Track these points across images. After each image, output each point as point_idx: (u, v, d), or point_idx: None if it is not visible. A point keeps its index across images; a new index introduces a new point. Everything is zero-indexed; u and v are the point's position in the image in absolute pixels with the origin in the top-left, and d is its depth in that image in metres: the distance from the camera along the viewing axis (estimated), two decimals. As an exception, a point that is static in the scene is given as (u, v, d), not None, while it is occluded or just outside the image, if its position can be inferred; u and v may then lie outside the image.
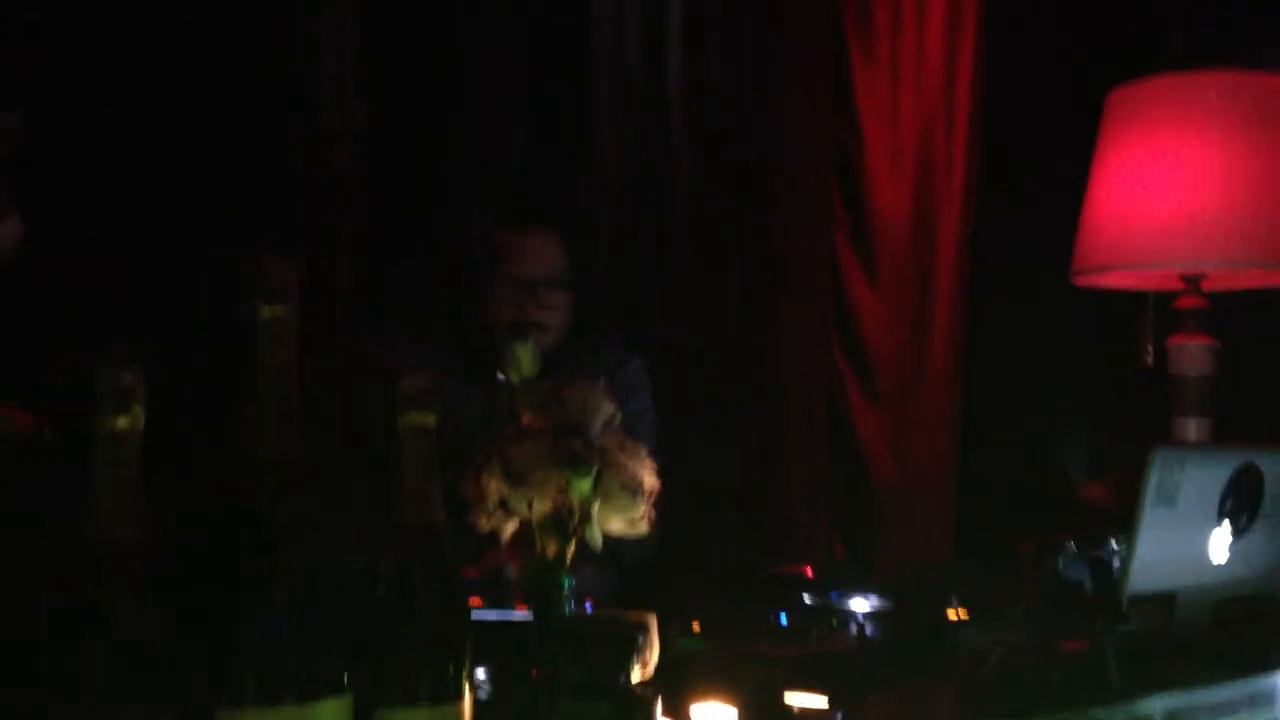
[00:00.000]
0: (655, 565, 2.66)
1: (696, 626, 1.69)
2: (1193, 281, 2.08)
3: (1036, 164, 2.84)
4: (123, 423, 0.79)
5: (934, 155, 3.17)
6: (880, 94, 3.13)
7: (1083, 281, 2.23)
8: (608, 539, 1.79)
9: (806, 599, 1.82)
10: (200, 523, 0.87)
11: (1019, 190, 2.88)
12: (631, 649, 0.93)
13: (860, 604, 1.78)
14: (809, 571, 1.91)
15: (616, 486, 0.99)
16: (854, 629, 1.72)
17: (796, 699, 1.15)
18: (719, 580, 2.64)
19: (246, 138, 2.19)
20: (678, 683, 1.14)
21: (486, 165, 2.45)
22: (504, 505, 0.98)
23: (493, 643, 1.04)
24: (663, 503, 2.09)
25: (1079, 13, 3.00)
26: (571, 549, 1.05)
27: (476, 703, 1.00)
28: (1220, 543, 1.57)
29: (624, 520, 1.01)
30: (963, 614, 1.75)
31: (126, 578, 0.80)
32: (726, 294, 2.89)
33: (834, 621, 1.76)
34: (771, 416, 2.99)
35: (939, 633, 1.69)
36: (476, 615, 1.04)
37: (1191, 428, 2.03)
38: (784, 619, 1.78)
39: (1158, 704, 1.30)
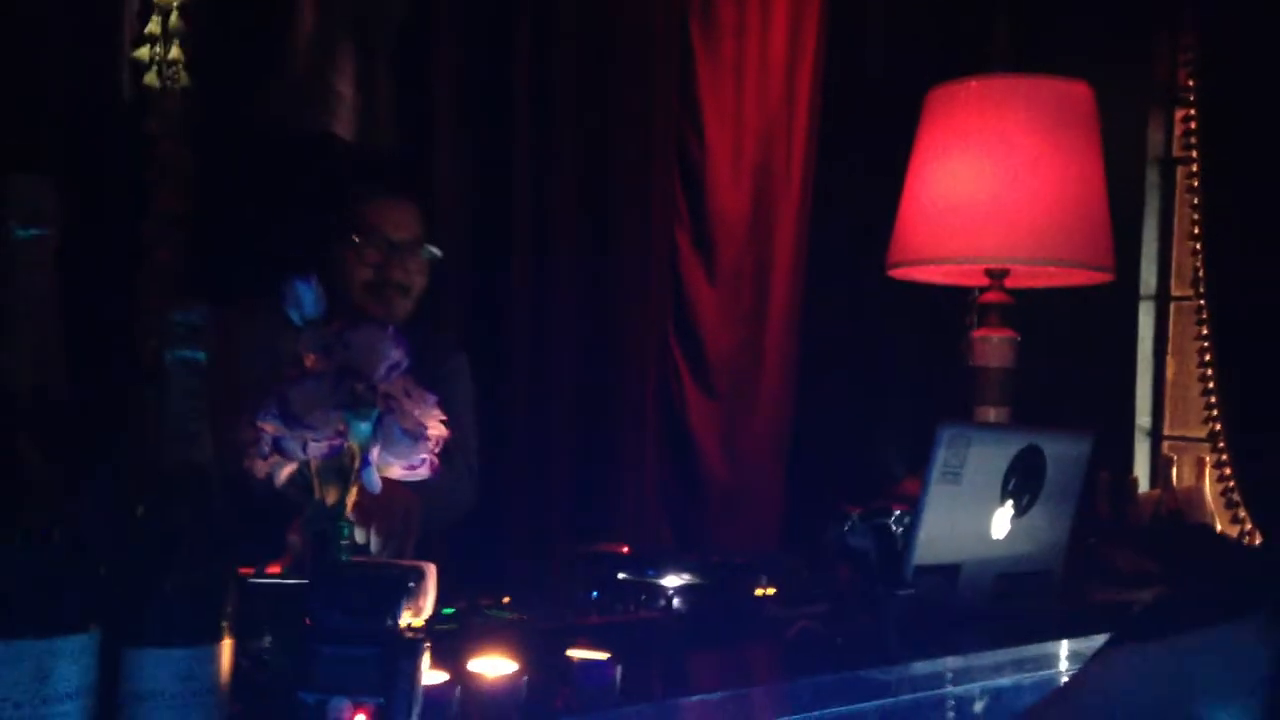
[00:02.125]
0: (482, 546, 2.67)
1: (507, 600, 1.70)
2: (997, 277, 2.18)
3: (871, 161, 2.94)
4: None
5: (774, 156, 3.24)
6: (724, 94, 3.19)
7: (896, 274, 2.32)
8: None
9: (620, 576, 1.85)
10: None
11: (853, 187, 2.97)
12: (399, 594, 0.93)
13: (671, 580, 1.82)
14: (625, 550, 1.94)
15: (398, 431, 0.99)
16: (662, 603, 1.76)
17: (578, 653, 1.16)
18: (539, 558, 2.65)
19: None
20: (467, 642, 1.15)
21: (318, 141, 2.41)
22: (279, 447, 0.97)
23: (266, 594, 1.02)
24: (472, 466, 2.10)
25: (915, 16, 3.11)
26: (352, 495, 1.04)
27: (248, 649, 0.99)
28: (1003, 519, 1.65)
29: (404, 465, 1.01)
30: (770, 592, 1.81)
31: None
32: (566, 289, 2.90)
33: (643, 597, 1.79)
34: (607, 410, 3.00)
35: (744, 608, 1.74)
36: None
37: (991, 417, 2.13)
38: (596, 594, 1.81)
39: (930, 666, 1.35)
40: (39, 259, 0.84)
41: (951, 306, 2.76)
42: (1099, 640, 1.51)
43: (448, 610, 1.54)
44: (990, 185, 2.11)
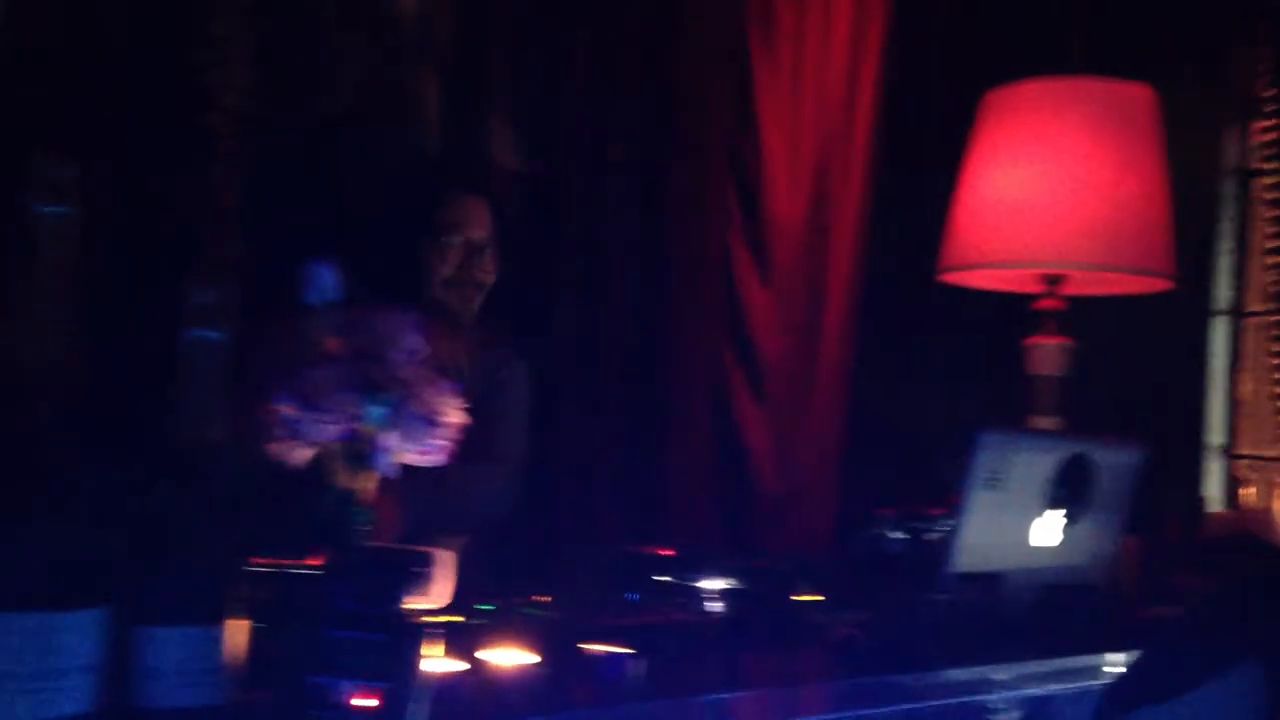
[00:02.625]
0: (532, 547, 2.67)
1: (545, 599, 1.70)
2: (1052, 283, 2.13)
3: (935, 165, 2.89)
4: None
5: (832, 162, 3.21)
6: (782, 100, 3.17)
7: (947, 278, 2.27)
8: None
9: (659, 578, 1.84)
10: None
11: (914, 191, 2.93)
12: (407, 580, 0.93)
13: (711, 584, 1.80)
14: (668, 552, 1.93)
15: (413, 417, 0.99)
16: (701, 606, 1.74)
17: (595, 647, 1.15)
18: (581, 559, 2.64)
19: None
20: (493, 636, 1.15)
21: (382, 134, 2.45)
22: (294, 429, 0.98)
23: (278, 579, 1.03)
24: (517, 472, 2.11)
25: (982, 17, 3.06)
26: (369, 483, 1.04)
27: (256, 630, 0.99)
28: (1048, 529, 1.61)
29: (419, 450, 1.01)
30: (815, 597, 1.78)
31: None
32: (618, 291, 2.90)
33: (683, 599, 1.78)
34: (658, 415, 2.99)
35: (784, 613, 1.71)
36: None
37: (1044, 425, 2.08)
38: (635, 596, 1.80)
39: (963, 673, 1.32)
40: (60, 234, 0.85)
41: (1012, 313, 2.71)
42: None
43: (484, 606, 1.54)
44: (1045, 189, 2.07)
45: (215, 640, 0.92)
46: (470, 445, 1.74)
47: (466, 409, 1.05)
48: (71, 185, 0.84)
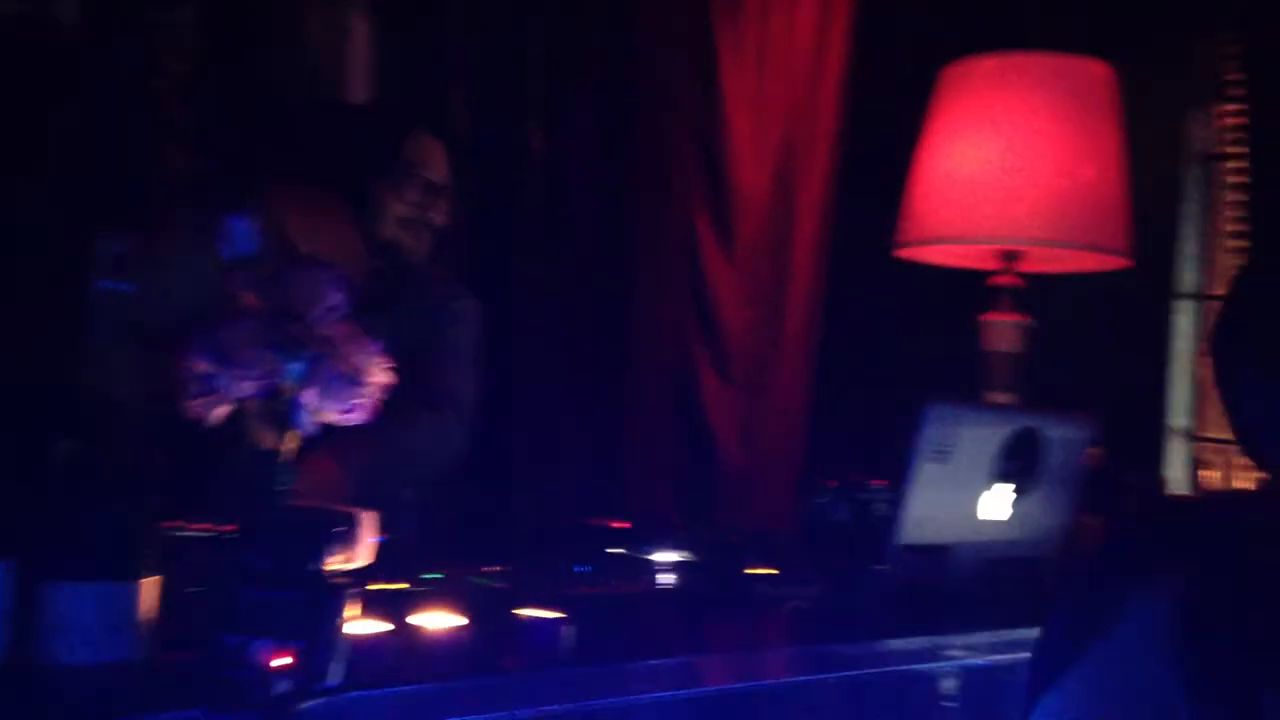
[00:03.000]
0: (489, 519, 2.66)
1: (495, 569, 1.69)
2: (1008, 259, 2.13)
3: (900, 140, 2.88)
4: None
5: (797, 138, 3.19)
6: (746, 75, 3.15)
7: (903, 254, 2.26)
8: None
9: (611, 550, 1.84)
10: None
11: (878, 166, 2.91)
12: (325, 539, 0.91)
13: (664, 557, 1.80)
14: (622, 525, 1.92)
15: (333, 375, 0.97)
16: (653, 579, 1.74)
17: (526, 612, 1.14)
18: (534, 530, 2.63)
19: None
20: (429, 603, 1.13)
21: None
22: (210, 385, 0.95)
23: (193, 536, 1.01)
24: (463, 419, 2.08)
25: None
26: (291, 441, 1.02)
27: (174, 589, 0.97)
28: (996, 502, 1.60)
29: (339, 409, 0.99)
30: (767, 571, 1.78)
31: None
32: (581, 266, 2.88)
33: (635, 572, 1.77)
34: (621, 389, 2.98)
35: (734, 586, 1.71)
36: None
37: (999, 402, 2.08)
38: (586, 568, 1.79)
39: (903, 643, 1.31)
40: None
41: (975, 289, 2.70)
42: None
43: (431, 575, 1.52)
44: (1000, 164, 2.05)
45: (126, 597, 0.90)
46: (418, 386, 1.72)
47: (409, 351, 1.02)
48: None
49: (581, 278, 2.87)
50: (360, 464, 1.68)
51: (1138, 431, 3.15)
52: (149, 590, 0.92)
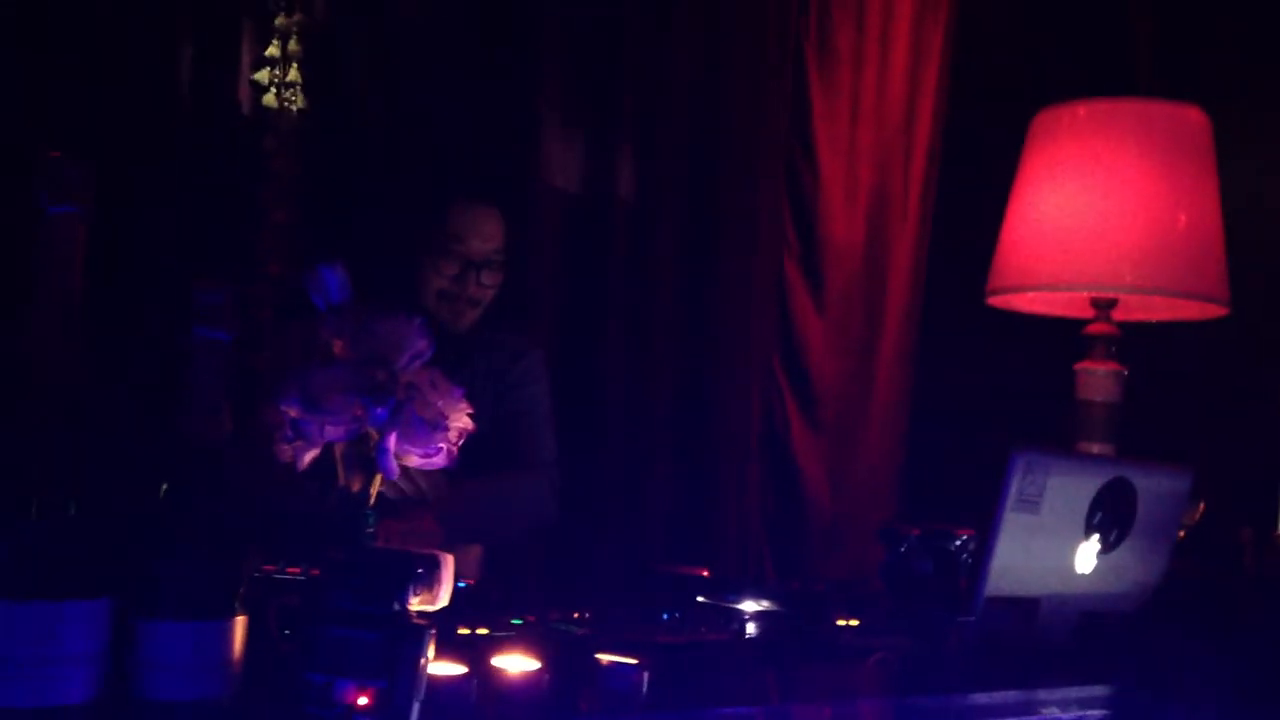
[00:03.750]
0: (578, 567, 2.67)
1: (578, 615, 1.70)
2: (1103, 307, 2.09)
3: (996, 187, 2.87)
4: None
5: (890, 187, 3.19)
6: (839, 123, 3.16)
7: (994, 301, 2.24)
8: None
9: (698, 599, 1.83)
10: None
11: (967, 213, 2.89)
12: (406, 580, 0.93)
13: (750, 606, 1.79)
14: (702, 573, 1.92)
15: (416, 420, 1.00)
16: (735, 628, 1.73)
17: (606, 657, 1.14)
18: (623, 579, 2.63)
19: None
20: (511, 647, 1.15)
21: (429, 148, 2.48)
22: (298, 430, 0.99)
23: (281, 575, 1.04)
24: (556, 478, 2.09)
25: (1045, 37, 3.01)
26: (376, 484, 1.05)
27: (261, 629, 1.00)
28: (1087, 554, 1.56)
29: (420, 453, 1.02)
30: (853, 622, 1.76)
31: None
32: (668, 313, 2.90)
33: (720, 620, 1.76)
34: (710, 438, 2.98)
35: (819, 636, 1.69)
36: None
37: (1095, 453, 2.03)
38: (668, 615, 1.79)
39: (988, 698, 1.29)
40: (68, 235, 0.88)
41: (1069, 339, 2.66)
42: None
43: (516, 621, 1.54)
44: (1094, 211, 2.02)
45: (218, 635, 0.93)
46: (498, 452, 1.74)
47: (478, 416, 1.05)
48: (79, 185, 0.86)
49: (670, 325, 2.89)
50: (458, 522, 1.71)
51: (1247, 487, 3.05)
52: (239, 629, 0.95)
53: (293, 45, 2.36)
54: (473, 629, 1.38)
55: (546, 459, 2.03)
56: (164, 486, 0.94)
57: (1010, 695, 1.30)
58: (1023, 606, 1.52)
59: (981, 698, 1.28)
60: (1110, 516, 1.55)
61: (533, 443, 2.00)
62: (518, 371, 2.04)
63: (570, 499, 2.58)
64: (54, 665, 0.86)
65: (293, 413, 0.99)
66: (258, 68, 2.35)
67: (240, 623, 0.95)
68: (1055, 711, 1.32)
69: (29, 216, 0.88)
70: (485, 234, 1.97)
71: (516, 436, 1.97)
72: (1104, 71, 2.91)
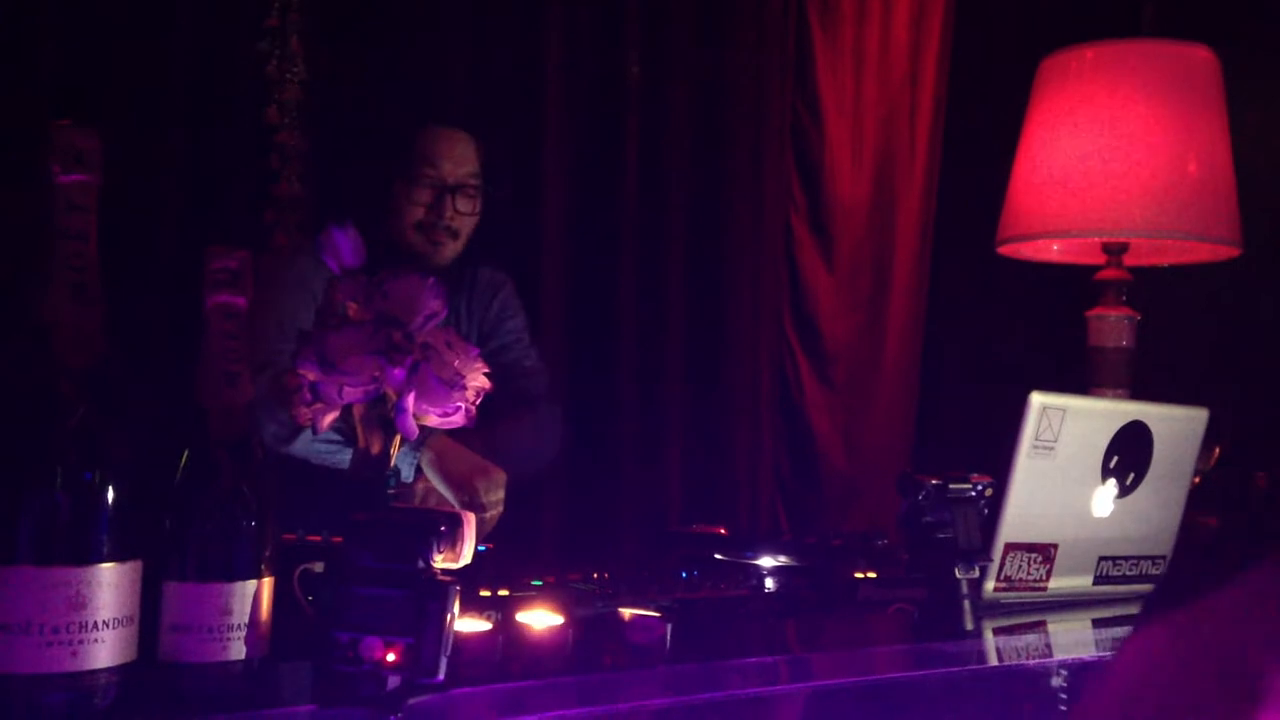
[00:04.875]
0: (593, 527, 2.68)
1: (597, 575, 1.71)
2: (1114, 253, 2.08)
3: (1001, 137, 2.85)
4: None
5: (896, 141, 3.17)
6: (843, 80, 3.14)
7: (1005, 250, 2.23)
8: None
9: (716, 556, 1.84)
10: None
11: (975, 162, 2.87)
12: (430, 538, 0.94)
13: (765, 561, 1.80)
14: (720, 531, 1.93)
15: (433, 380, 1.00)
16: (754, 583, 1.74)
17: (629, 610, 1.15)
18: (640, 537, 2.65)
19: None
20: (526, 603, 1.16)
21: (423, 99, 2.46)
22: (317, 393, 0.99)
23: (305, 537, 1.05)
24: (557, 417, 2.08)
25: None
26: (396, 445, 1.06)
27: (288, 589, 1.01)
28: (1104, 498, 1.56)
29: (439, 412, 1.02)
30: (870, 574, 1.77)
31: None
32: (677, 274, 2.89)
33: (738, 577, 1.77)
34: (721, 397, 2.99)
35: (837, 589, 1.70)
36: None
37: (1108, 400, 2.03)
38: (687, 574, 1.80)
39: (1009, 641, 1.30)
40: (80, 202, 0.88)
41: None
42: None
43: (536, 582, 1.55)
44: (1103, 155, 2.01)
45: (246, 597, 0.94)
46: (495, 391, 1.73)
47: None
48: (90, 152, 0.86)
49: (679, 285, 2.89)
50: (461, 480, 1.71)
51: (1262, 431, 3.04)
52: (266, 591, 0.96)
53: (294, 17, 2.35)
54: (494, 590, 1.39)
55: (543, 391, 2.01)
56: (185, 452, 0.94)
57: (1029, 638, 1.30)
58: (1040, 551, 1.52)
59: (999, 640, 1.28)
60: (1126, 460, 1.56)
61: (527, 378, 1.98)
62: (497, 306, 2.01)
63: (583, 460, 2.59)
64: (86, 630, 0.87)
65: (311, 375, 0.99)
66: (258, 38, 2.34)
67: (268, 584, 0.96)
68: (1077, 654, 1.33)
69: (40, 185, 0.88)
70: (456, 157, 1.88)
71: (509, 375, 1.93)
72: (1109, 13, 2.88)
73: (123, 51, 2.15)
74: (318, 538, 1.28)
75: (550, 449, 2.02)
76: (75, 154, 0.87)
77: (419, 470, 1.68)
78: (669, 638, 1.13)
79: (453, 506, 1.04)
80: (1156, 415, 1.59)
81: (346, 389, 0.98)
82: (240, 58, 2.31)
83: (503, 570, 1.50)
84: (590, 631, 1.14)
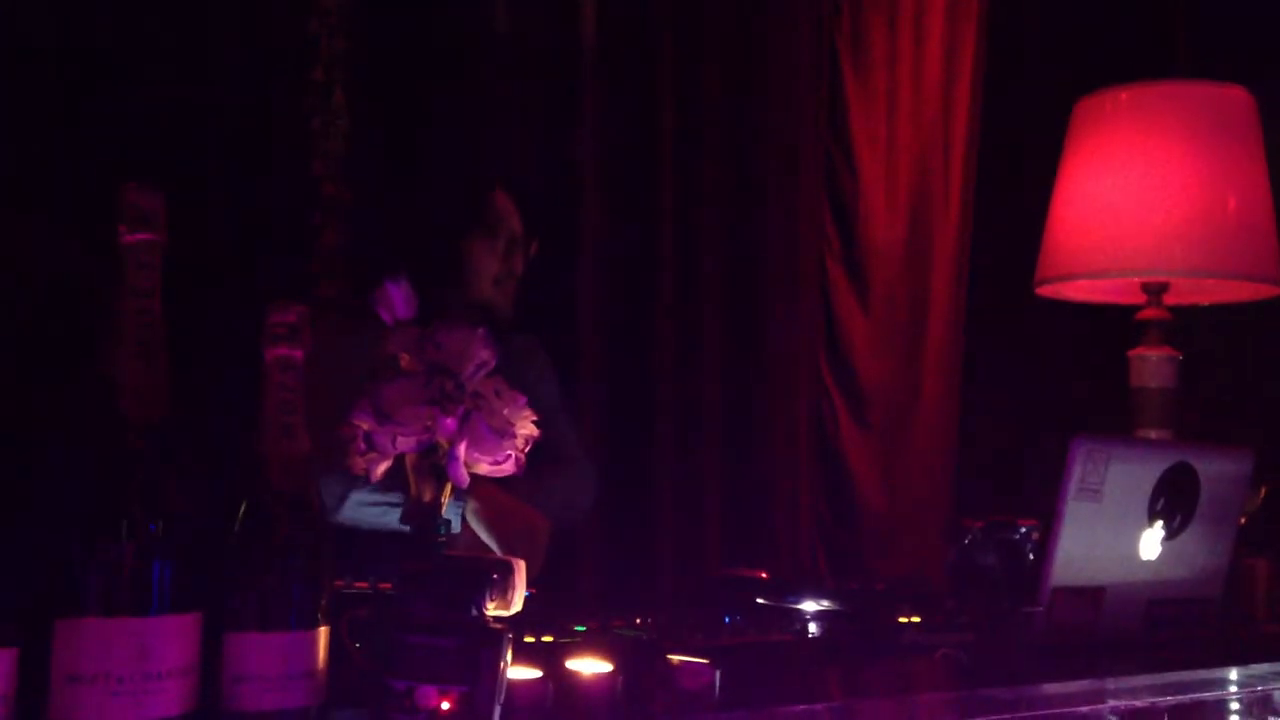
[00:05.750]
0: (632, 570, 2.68)
1: (639, 620, 1.71)
2: (1154, 292, 2.08)
3: (1037, 177, 2.86)
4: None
5: (930, 183, 3.19)
6: (876, 122, 3.17)
7: (1044, 291, 2.23)
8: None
9: (758, 600, 1.84)
10: (54, 440, 0.91)
11: (1011, 203, 2.88)
12: (482, 586, 0.95)
13: (811, 606, 1.79)
14: (761, 575, 1.93)
15: (484, 429, 1.02)
16: (797, 628, 1.73)
17: (678, 657, 1.16)
18: (679, 581, 2.64)
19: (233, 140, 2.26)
20: (580, 652, 1.17)
21: (469, 155, 2.51)
22: (371, 442, 1.01)
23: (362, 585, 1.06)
24: (594, 473, 2.09)
25: (1082, 27, 2.99)
26: (447, 493, 1.07)
27: (337, 636, 1.02)
28: (1152, 541, 1.56)
29: (490, 461, 1.04)
30: (914, 619, 1.76)
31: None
32: (714, 316, 2.91)
33: (781, 621, 1.77)
34: (758, 439, 2.99)
35: (883, 634, 1.69)
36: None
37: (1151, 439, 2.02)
38: (730, 618, 1.80)
39: (1062, 688, 1.29)
40: (146, 260, 0.91)
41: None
42: (1259, 669, 1.41)
43: (580, 628, 1.56)
44: (1141, 196, 2.01)
45: (305, 646, 0.95)
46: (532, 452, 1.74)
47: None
48: (155, 213, 0.89)
49: (716, 326, 2.91)
50: (503, 527, 1.72)
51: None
52: (322, 640, 0.97)
53: (337, 71, 2.40)
54: (538, 637, 1.40)
55: (577, 453, 2.04)
56: (244, 502, 0.96)
57: (1080, 684, 1.29)
58: (1088, 596, 1.51)
59: (1052, 688, 1.27)
60: (1173, 502, 1.55)
61: (564, 439, 2.01)
62: (534, 371, 2.04)
63: (621, 503, 2.59)
64: (150, 680, 0.88)
65: (365, 425, 1.01)
66: (302, 91, 2.39)
67: (323, 633, 0.97)
68: (1127, 700, 1.32)
69: (106, 246, 0.91)
70: (517, 213, 1.97)
71: (544, 443, 1.95)
72: (1140, 50, 2.90)
73: (170, 106, 2.20)
74: (364, 584, 1.30)
75: (583, 506, 2.04)
76: (141, 214, 0.90)
77: (463, 520, 1.70)
78: (718, 684, 1.14)
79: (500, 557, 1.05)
80: (1202, 456, 1.58)
81: (400, 438, 1.00)
82: (284, 111, 2.36)
83: (545, 616, 1.50)
84: (638, 678, 1.14)
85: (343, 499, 1.63)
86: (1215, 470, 1.59)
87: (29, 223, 1.67)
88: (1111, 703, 1.28)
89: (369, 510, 1.64)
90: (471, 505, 1.64)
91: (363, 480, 1.60)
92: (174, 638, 0.90)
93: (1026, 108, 3.05)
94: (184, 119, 2.23)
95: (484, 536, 1.64)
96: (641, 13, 2.77)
